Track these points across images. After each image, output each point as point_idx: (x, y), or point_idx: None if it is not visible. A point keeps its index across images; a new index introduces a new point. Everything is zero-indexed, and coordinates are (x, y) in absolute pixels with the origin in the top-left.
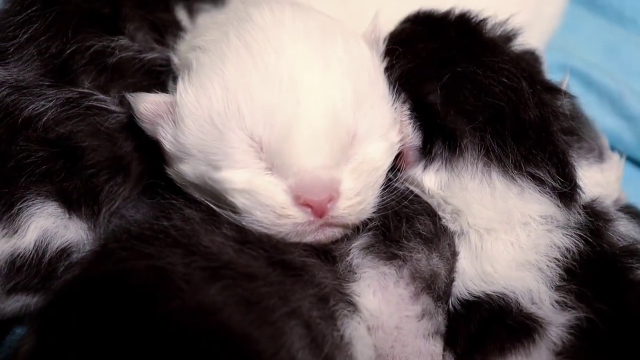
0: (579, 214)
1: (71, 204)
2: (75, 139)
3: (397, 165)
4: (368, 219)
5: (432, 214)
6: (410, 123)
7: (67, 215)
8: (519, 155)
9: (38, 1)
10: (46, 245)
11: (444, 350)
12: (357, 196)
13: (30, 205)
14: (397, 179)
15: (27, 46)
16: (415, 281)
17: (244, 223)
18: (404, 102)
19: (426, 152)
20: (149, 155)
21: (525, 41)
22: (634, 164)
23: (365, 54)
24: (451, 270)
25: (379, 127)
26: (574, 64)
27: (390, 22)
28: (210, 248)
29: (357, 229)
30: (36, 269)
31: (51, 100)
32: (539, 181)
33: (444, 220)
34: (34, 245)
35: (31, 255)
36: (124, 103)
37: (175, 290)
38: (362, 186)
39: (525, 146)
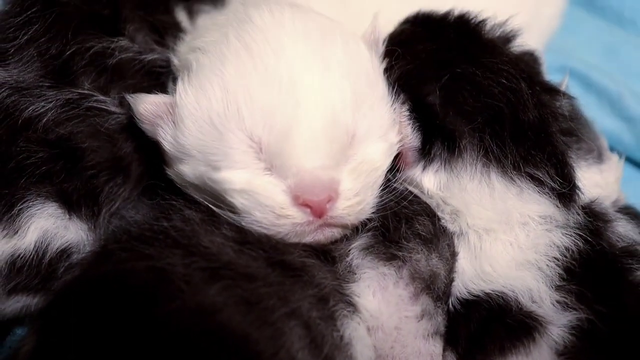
0: (578, 214)
1: (71, 205)
2: (75, 140)
3: (396, 166)
4: (367, 219)
5: (431, 215)
6: (410, 124)
7: (67, 216)
8: (518, 156)
9: (38, 2)
10: (46, 246)
11: (446, 350)
12: (356, 196)
13: (30, 206)
14: (396, 180)
15: (27, 47)
16: (415, 282)
17: (243, 223)
18: (403, 103)
19: (425, 153)
20: (148, 156)
21: (524, 42)
22: (634, 165)
23: (364, 55)
24: (450, 270)
25: (378, 127)
26: (573, 65)
27: (389, 23)
28: (210, 249)
29: (356, 230)
30: (36, 270)
31: (51, 102)
32: (537, 182)
33: (443, 221)
34: (34, 246)
35: (31, 256)
36: (123, 104)
37: (175, 291)
38: (361, 186)
39: (524, 147)
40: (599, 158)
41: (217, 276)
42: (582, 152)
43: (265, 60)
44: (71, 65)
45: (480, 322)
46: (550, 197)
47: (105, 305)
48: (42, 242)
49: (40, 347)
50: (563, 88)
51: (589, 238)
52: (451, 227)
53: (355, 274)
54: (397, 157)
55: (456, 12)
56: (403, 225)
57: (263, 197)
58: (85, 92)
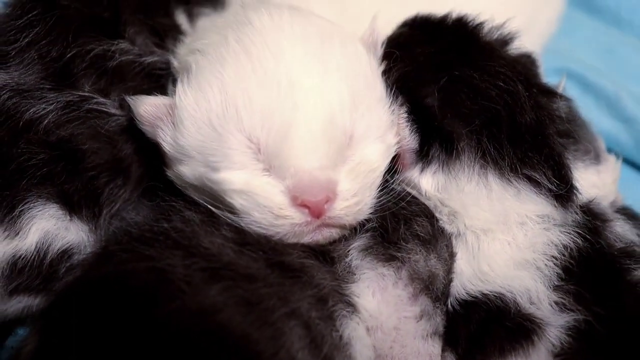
0: (576, 213)
1: (72, 206)
2: (75, 142)
3: (394, 167)
4: (366, 220)
5: (429, 216)
6: (407, 126)
7: (68, 217)
8: (515, 157)
9: (39, 5)
10: (47, 247)
11: (445, 350)
12: (354, 197)
13: (31, 208)
14: (394, 181)
15: (28, 50)
16: (414, 282)
17: (242, 224)
18: (401, 105)
19: (423, 155)
20: (148, 158)
21: (521, 45)
22: (631, 166)
23: (362, 57)
24: (449, 271)
25: (376, 129)
26: (571, 66)
27: (388, 25)
28: (210, 249)
29: (355, 231)
30: (38, 270)
31: (52, 104)
32: (535, 183)
33: (441, 222)
34: (36, 246)
35: (33, 257)
36: (124, 106)
37: (176, 292)
38: (358, 187)
39: (521, 149)
40: (596, 159)
41: (217, 277)
42: (579, 153)
43: (264, 62)
44: (72, 67)
45: (479, 323)
46: (548, 197)
47: (106, 305)
48: (43, 243)
49: (42, 347)
50: (560, 89)
51: (587, 236)
52: (449, 228)
53: (355, 274)
54: (396, 159)
55: (454, 15)
56: (402, 226)
57: (262, 198)
58: (86, 94)
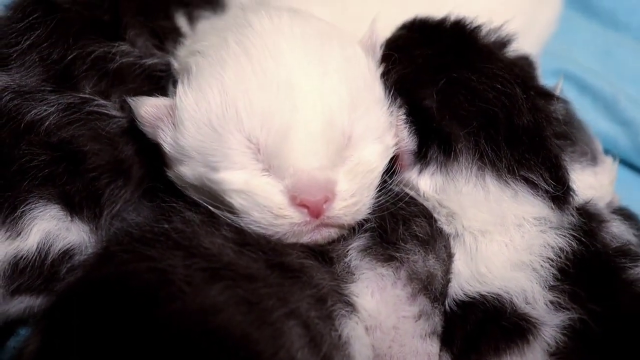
0: (573, 215)
1: (73, 207)
2: (77, 143)
3: (393, 168)
4: (365, 220)
5: (428, 216)
6: (406, 127)
7: (69, 218)
8: (513, 159)
9: (40, 8)
10: (49, 248)
11: (441, 350)
12: (353, 197)
13: (33, 208)
14: (392, 182)
15: (29, 52)
16: (412, 282)
17: (241, 223)
18: (399, 107)
19: (421, 156)
20: (149, 159)
21: (519, 47)
22: (629, 168)
23: (361, 59)
24: (447, 271)
25: (374, 130)
26: (568, 68)
27: (388, 28)
28: (210, 250)
29: (354, 231)
30: (39, 271)
31: (53, 105)
32: (532, 185)
33: (439, 223)
34: (37, 247)
35: (34, 257)
36: (124, 108)
37: (177, 292)
38: (357, 187)
39: (518, 151)
40: (593, 161)
41: (217, 277)
42: (576, 155)
43: (263, 64)
44: (73, 69)
45: (476, 324)
46: (545, 199)
47: (107, 306)
48: (44, 244)
49: (43, 348)
50: (558, 91)
51: (583, 239)
52: (447, 228)
53: (354, 274)
54: (394, 160)
55: (452, 18)
56: (400, 226)
57: (261, 198)
58: (87, 96)
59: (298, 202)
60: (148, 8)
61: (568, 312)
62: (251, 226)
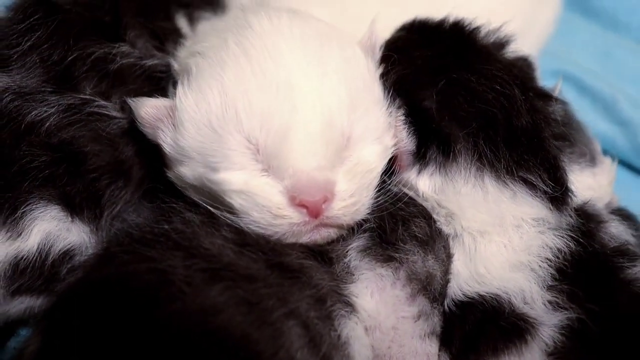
0: (571, 216)
1: (73, 208)
2: (77, 144)
3: (392, 169)
4: (364, 220)
5: (427, 217)
6: (405, 128)
7: (70, 219)
8: (511, 160)
9: (40, 10)
10: (49, 248)
11: (440, 350)
12: (351, 197)
13: (33, 209)
14: (391, 182)
15: (30, 53)
16: (412, 283)
17: (241, 224)
18: (399, 108)
19: (420, 157)
20: (149, 160)
21: (518, 48)
22: (627, 168)
23: (360, 60)
24: (446, 271)
25: (373, 130)
26: (568, 69)
27: (387, 29)
28: (210, 250)
29: (353, 231)
30: (39, 271)
31: (53, 107)
32: (530, 185)
33: (438, 223)
34: (37, 248)
35: (34, 258)
36: (125, 109)
37: (177, 292)
38: (356, 188)
39: (517, 151)
40: (592, 161)
41: (217, 277)
42: (575, 156)
43: (263, 65)
44: (73, 71)
45: (474, 324)
46: (543, 200)
47: (107, 306)
48: (45, 244)
49: (44, 348)
50: (557, 92)
51: (581, 240)
52: (446, 229)
53: (353, 274)
54: (393, 160)
55: (451, 19)
56: (400, 227)
57: (260, 198)
58: (87, 97)
59: (297, 202)
60: (148, 9)
61: (566, 312)
62: (251, 226)
